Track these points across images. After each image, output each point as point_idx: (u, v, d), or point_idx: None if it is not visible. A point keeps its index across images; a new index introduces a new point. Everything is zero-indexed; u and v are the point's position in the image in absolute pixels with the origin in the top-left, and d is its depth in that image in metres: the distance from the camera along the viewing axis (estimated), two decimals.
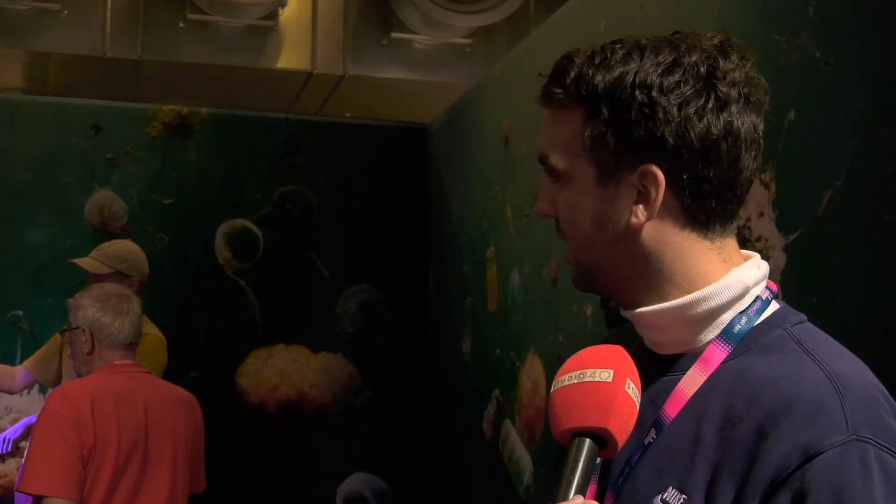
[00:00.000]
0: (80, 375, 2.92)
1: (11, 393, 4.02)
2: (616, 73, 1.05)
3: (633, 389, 1.02)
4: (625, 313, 1.12)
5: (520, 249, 3.72)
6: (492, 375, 3.98)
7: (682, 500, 1.01)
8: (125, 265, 3.74)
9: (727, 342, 1.06)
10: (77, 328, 2.88)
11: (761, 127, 1.08)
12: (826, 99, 2.04)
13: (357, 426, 4.84)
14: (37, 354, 3.88)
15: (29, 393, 4.30)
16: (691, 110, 1.03)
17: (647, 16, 2.74)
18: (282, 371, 4.79)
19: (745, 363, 1.05)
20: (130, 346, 2.90)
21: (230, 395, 4.70)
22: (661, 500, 1.03)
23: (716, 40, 1.07)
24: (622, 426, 1.00)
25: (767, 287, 1.10)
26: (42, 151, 4.61)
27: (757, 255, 1.12)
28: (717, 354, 1.06)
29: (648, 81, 1.04)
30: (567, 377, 1.04)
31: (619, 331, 1.24)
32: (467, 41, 5.10)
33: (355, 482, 4.81)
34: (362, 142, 4.99)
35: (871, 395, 1.00)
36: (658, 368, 1.10)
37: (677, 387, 1.07)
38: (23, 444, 3.53)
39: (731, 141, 1.04)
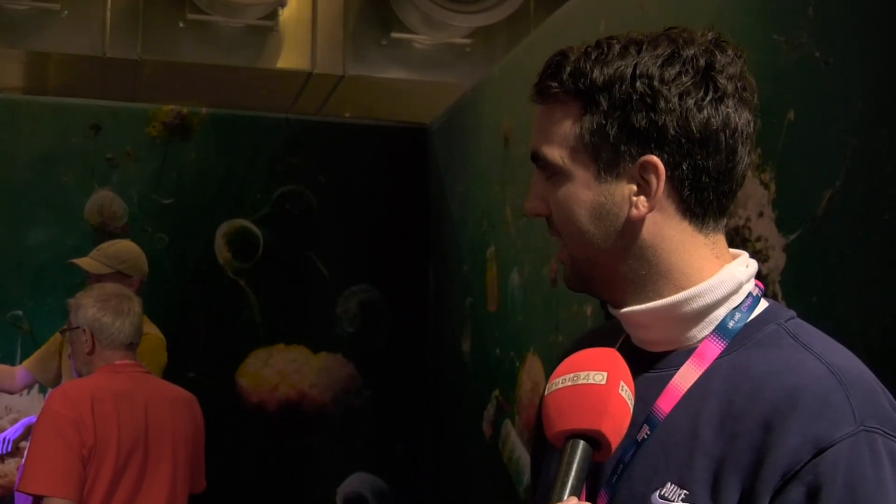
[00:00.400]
0: (80, 375, 2.92)
1: (11, 393, 4.02)
2: (614, 66, 1.05)
3: (626, 392, 1.02)
4: (614, 312, 1.12)
5: (520, 249, 3.72)
6: (492, 375, 3.98)
7: (682, 494, 1.01)
8: (125, 265, 3.74)
9: (722, 338, 1.07)
10: (77, 328, 2.88)
11: (752, 123, 1.09)
12: (826, 99, 2.04)
13: (357, 426, 4.84)
14: (37, 354, 3.88)
15: (29, 393, 4.30)
16: (691, 101, 1.04)
17: (646, 16, 2.74)
18: (282, 371, 4.79)
19: (740, 358, 1.05)
20: (131, 347, 2.90)
21: (230, 395, 4.70)
22: (660, 496, 1.02)
23: (709, 36, 1.08)
24: (616, 428, 1.01)
25: (756, 284, 1.11)
26: (42, 151, 4.61)
27: (745, 253, 1.13)
28: (713, 350, 1.06)
29: (649, 72, 1.04)
30: (561, 380, 1.04)
31: (598, 329, 1.25)
32: (467, 41, 5.09)
33: (355, 482, 4.81)
34: (362, 142, 4.99)
35: (872, 386, 1.02)
36: (645, 365, 1.10)
37: (671, 382, 1.07)
38: (23, 444, 3.53)
39: (728, 132, 1.05)
